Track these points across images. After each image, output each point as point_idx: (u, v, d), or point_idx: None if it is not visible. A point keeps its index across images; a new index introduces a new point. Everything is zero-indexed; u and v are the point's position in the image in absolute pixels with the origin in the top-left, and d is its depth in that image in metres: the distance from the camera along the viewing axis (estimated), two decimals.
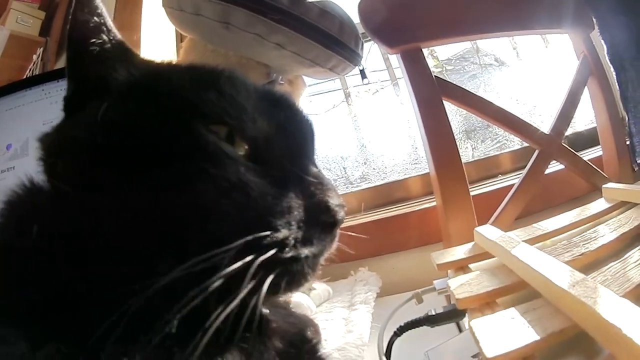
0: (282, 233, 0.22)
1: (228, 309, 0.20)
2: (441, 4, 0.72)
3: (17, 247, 0.22)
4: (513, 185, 0.78)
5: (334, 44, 0.61)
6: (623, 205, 0.55)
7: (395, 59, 0.71)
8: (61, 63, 1.27)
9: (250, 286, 0.20)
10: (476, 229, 0.57)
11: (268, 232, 0.22)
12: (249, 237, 0.21)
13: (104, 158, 0.23)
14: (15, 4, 1.32)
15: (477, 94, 0.74)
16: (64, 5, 1.35)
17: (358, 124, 1.07)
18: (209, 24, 0.59)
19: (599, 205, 0.59)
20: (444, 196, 0.66)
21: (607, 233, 0.44)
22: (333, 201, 0.26)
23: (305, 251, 0.23)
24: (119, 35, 0.30)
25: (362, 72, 0.73)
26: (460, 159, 0.67)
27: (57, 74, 1.10)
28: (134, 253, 0.21)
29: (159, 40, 1.14)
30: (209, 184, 0.22)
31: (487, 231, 0.53)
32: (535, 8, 0.75)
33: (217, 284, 0.20)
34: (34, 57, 1.30)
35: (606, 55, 0.78)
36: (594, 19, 0.77)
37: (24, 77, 1.32)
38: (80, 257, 0.21)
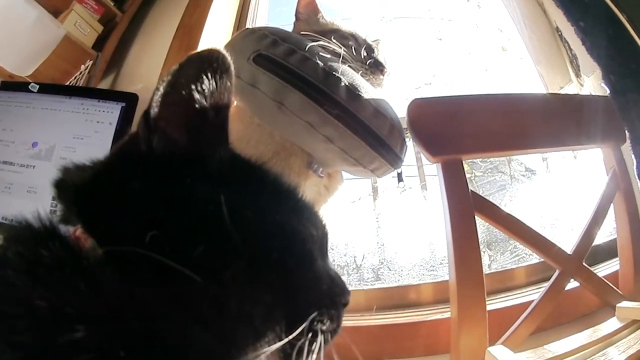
0: (332, 310, 0.31)
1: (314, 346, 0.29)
2: (488, 119, 0.72)
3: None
4: (525, 301, 0.79)
5: (381, 146, 0.60)
6: (634, 324, 0.57)
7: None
8: (106, 82, 1.29)
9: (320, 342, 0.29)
10: (489, 349, 0.60)
11: (326, 309, 0.30)
12: (318, 311, 0.29)
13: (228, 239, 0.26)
14: (78, 6, 1.34)
15: (503, 204, 0.72)
16: (123, 25, 1.39)
17: (380, 222, 1.06)
18: (262, 99, 0.58)
19: (610, 325, 0.61)
20: (460, 311, 0.64)
21: (615, 356, 0.48)
22: (347, 289, 0.34)
23: (340, 322, 0.32)
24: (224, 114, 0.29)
25: (399, 175, 0.72)
26: (483, 278, 0.65)
27: (100, 93, 1.11)
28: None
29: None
30: (310, 271, 0.30)
31: (500, 353, 0.56)
32: (573, 125, 0.75)
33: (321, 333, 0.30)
34: (82, 67, 1.31)
35: (635, 169, 0.76)
36: (626, 132, 0.76)
37: (67, 82, 1.33)
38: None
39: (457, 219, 0.65)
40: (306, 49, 0.58)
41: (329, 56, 0.60)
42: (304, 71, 0.56)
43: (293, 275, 0.29)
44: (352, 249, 1.04)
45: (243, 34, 0.64)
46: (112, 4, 1.41)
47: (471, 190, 0.67)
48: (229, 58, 0.28)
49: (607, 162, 0.78)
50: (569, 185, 1.06)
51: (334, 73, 0.58)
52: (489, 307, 0.79)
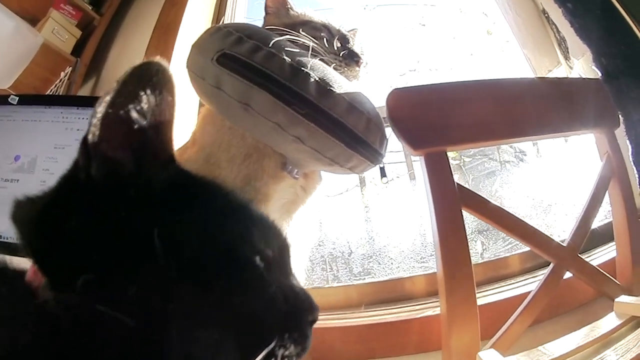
0: (294, 333, 0.29)
1: None
2: (473, 108, 0.66)
3: None
4: (520, 293, 0.76)
5: (358, 144, 0.54)
6: (634, 320, 0.54)
7: None
8: (86, 88, 1.23)
9: None
10: (479, 354, 0.55)
11: (287, 332, 0.28)
12: (279, 335, 0.27)
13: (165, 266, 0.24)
14: (55, 13, 1.29)
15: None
16: (101, 29, 1.33)
17: (369, 215, 0.99)
18: (228, 101, 0.53)
19: (609, 322, 0.57)
20: (449, 311, 0.59)
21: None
22: (314, 305, 0.32)
23: (306, 343, 0.30)
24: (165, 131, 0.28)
25: (382, 169, 0.66)
26: (473, 276, 0.60)
27: (78, 100, 1.08)
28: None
29: None
30: (262, 297, 0.28)
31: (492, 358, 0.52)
32: (564, 111, 0.69)
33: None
34: (62, 74, 1.26)
35: (630, 155, 0.72)
36: (620, 117, 0.71)
37: (48, 90, 1.29)
38: None
39: (443, 215, 0.60)
40: (271, 44, 0.52)
41: (297, 50, 0.54)
42: (269, 69, 0.50)
43: (242, 304, 0.27)
44: (340, 242, 0.99)
45: (208, 32, 0.58)
46: (89, 7, 1.35)
47: (457, 184, 0.62)
48: (169, 70, 0.27)
49: (600, 147, 0.72)
50: (561, 169, 1.00)
51: (302, 69, 0.52)
52: (482, 301, 0.76)
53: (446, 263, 0.60)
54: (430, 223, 0.62)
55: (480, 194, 0.64)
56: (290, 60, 0.52)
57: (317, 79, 0.52)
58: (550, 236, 0.66)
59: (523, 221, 0.64)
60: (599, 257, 0.83)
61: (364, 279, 0.93)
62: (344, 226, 1.01)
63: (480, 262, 0.90)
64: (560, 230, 0.92)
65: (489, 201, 0.64)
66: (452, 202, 0.60)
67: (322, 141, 0.52)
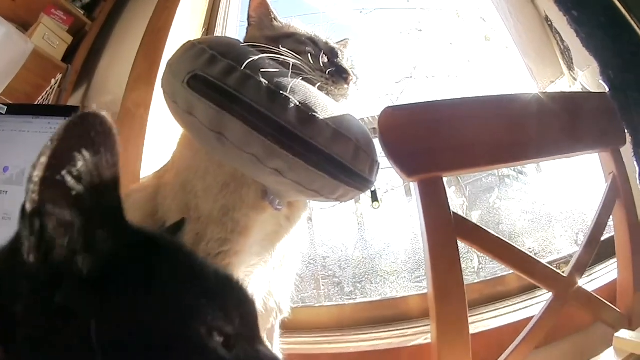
0: None
1: None
2: (472, 128, 0.59)
3: None
4: (518, 320, 0.72)
5: (345, 174, 0.47)
6: (632, 357, 0.49)
7: None
8: (77, 95, 1.17)
9: None
10: None
11: None
12: None
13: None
14: (46, 19, 1.23)
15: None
16: (93, 34, 1.26)
17: (362, 230, 0.92)
18: (201, 129, 0.46)
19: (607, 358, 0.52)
20: (439, 343, 0.52)
21: None
22: None
23: None
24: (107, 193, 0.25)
25: (373, 193, 0.59)
26: (466, 309, 0.53)
27: (65, 110, 1.04)
28: None
29: None
30: None
31: None
32: (569, 130, 0.62)
33: None
34: (53, 81, 1.20)
35: (637, 177, 0.65)
36: (627, 134, 0.64)
37: (39, 97, 1.23)
38: None
39: (436, 247, 0.53)
40: (246, 64, 0.45)
41: (276, 70, 0.47)
42: (243, 94, 0.44)
43: None
44: (331, 259, 0.93)
45: (182, 50, 0.52)
46: (81, 12, 1.28)
47: (453, 212, 0.56)
48: (109, 120, 0.23)
49: (605, 166, 0.65)
50: (561, 183, 0.93)
51: (281, 92, 0.45)
52: (479, 327, 0.70)
53: (438, 296, 0.54)
54: (424, 255, 0.55)
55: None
56: (267, 82, 0.45)
57: (297, 103, 0.45)
58: (550, 266, 0.60)
59: (523, 252, 0.58)
60: (600, 277, 0.77)
61: (356, 298, 0.87)
62: (336, 242, 0.95)
63: (476, 281, 0.84)
64: (560, 245, 0.86)
65: (487, 231, 0.57)
66: (447, 232, 0.54)
67: (304, 174, 0.45)
